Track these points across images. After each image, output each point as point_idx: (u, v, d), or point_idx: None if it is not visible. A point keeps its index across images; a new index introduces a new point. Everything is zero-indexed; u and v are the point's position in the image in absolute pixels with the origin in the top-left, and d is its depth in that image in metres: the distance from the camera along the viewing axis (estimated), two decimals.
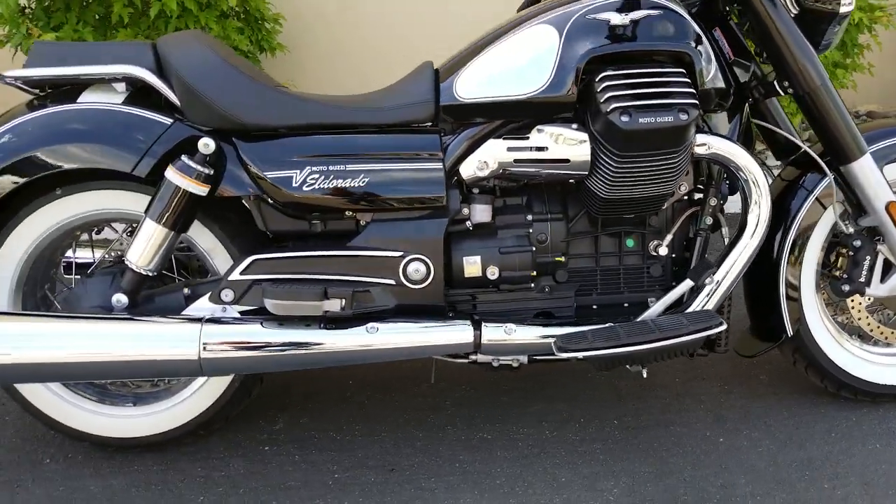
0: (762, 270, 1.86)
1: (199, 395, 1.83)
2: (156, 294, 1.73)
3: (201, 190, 1.60)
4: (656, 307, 1.76)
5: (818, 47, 1.73)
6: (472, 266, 1.71)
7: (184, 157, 1.59)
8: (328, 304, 1.62)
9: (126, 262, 1.65)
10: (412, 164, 1.65)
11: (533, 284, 1.78)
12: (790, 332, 1.88)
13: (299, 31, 3.56)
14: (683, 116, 1.54)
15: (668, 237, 1.80)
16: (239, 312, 1.68)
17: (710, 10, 1.77)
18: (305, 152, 1.63)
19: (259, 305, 1.66)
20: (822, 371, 1.95)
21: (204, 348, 1.60)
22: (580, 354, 1.63)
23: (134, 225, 1.82)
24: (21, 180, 1.61)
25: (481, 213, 1.73)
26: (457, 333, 1.68)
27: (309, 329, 1.64)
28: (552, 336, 1.69)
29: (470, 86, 1.65)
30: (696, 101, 1.56)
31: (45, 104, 1.64)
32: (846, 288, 1.89)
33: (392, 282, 1.68)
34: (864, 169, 1.78)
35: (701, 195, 1.80)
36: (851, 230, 1.87)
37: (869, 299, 1.96)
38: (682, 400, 2.08)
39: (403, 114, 1.68)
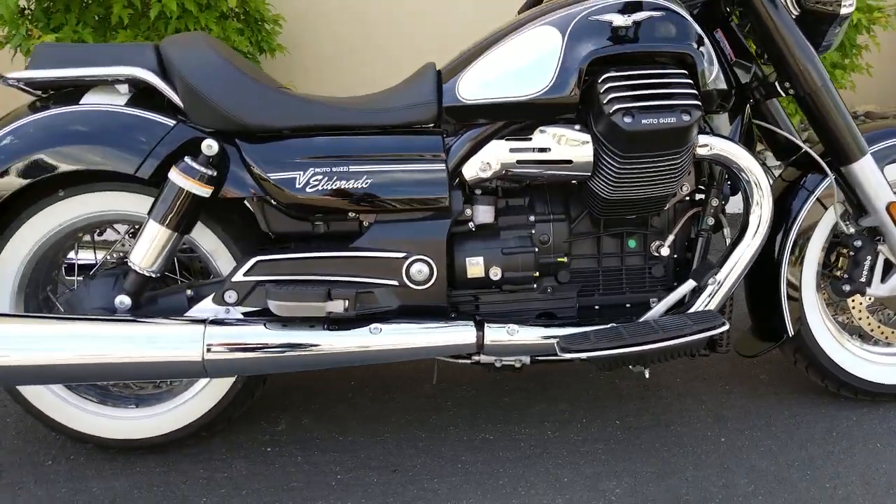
0: (763, 271, 1.87)
1: (202, 397, 1.83)
2: (159, 295, 1.73)
3: (205, 191, 1.60)
4: (659, 307, 1.77)
5: (819, 48, 1.74)
6: (474, 267, 1.71)
7: (187, 159, 1.59)
8: (332, 306, 1.62)
9: (129, 264, 1.65)
10: (415, 165, 1.65)
11: (535, 285, 1.79)
12: (791, 331, 1.89)
13: (300, 31, 3.57)
14: (686, 117, 1.55)
15: (670, 238, 1.80)
16: (242, 314, 1.68)
17: (712, 11, 1.78)
18: (309, 153, 1.63)
19: (262, 307, 1.66)
20: (822, 371, 1.96)
21: (208, 350, 1.60)
22: (583, 355, 1.63)
23: (136, 226, 1.82)
24: (24, 182, 1.61)
25: (484, 213, 1.73)
26: (460, 334, 1.68)
27: (312, 330, 1.64)
28: (555, 337, 1.70)
29: (473, 87, 1.66)
30: (699, 103, 1.57)
31: (47, 106, 1.64)
32: (847, 288, 1.90)
33: (395, 283, 1.68)
34: (865, 169, 1.79)
35: (702, 196, 1.80)
36: (852, 230, 1.87)
37: (869, 299, 1.97)
38: (684, 400, 2.08)
39: (406, 115, 1.68)
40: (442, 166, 1.66)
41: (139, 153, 1.60)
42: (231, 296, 1.67)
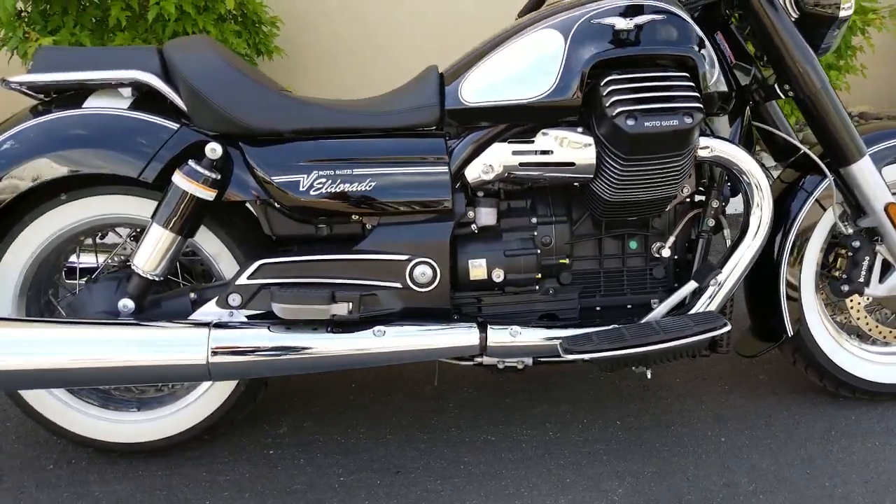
0: (763, 271, 1.88)
1: (205, 400, 1.83)
2: (162, 299, 1.73)
3: (208, 195, 1.60)
4: (660, 308, 1.78)
5: (818, 51, 1.75)
6: (477, 269, 1.72)
7: (191, 162, 1.59)
8: (336, 308, 1.62)
9: (132, 268, 1.65)
10: (418, 167, 1.66)
11: (538, 287, 1.79)
12: (790, 332, 1.90)
13: (300, 32, 3.57)
14: (688, 120, 1.56)
15: (671, 239, 1.82)
16: (246, 317, 1.69)
17: (712, 13, 1.79)
18: (312, 156, 1.64)
19: (266, 310, 1.66)
20: (821, 370, 1.97)
21: (212, 353, 1.60)
22: (586, 356, 1.64)
23: (139, 230, 1.82)
24: (26, 186, 1.61)
25: (486, 216, 1.74)
26: (463, 336, 1.69)
27: (316, 333, 1.64)
28: (557, 338, 1.70)
29: (475, 90, 1.66)
30: (701, 105, 1.58)
31: (49, 110, 1.64)
32: (845, 288, 1.92)
33: (399, 285, 1.68)
34: (864, 171, 1.80)
35: (703, 197, 1.82)
36: (850, 231, 1.89)
37: (868, 299, 1.98)
38: (684, 400, 2.10)
39: (409, 118, 1.69)
40: (445, 169, 1.67)
41: (142, 157, 1.60)
42: (235, 299, 1.67)
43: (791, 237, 1.87)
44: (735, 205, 1.88)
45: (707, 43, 1.67)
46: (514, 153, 1.68)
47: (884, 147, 1.86)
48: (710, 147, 1.69)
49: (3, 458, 1.91)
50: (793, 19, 1.72)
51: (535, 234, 1.76)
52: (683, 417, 2.02)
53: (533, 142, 1.67)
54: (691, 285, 1.77)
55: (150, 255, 1.63)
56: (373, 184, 1.64)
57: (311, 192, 1.63)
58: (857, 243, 1.89)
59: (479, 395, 2.14)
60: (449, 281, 1.70)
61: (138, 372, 1.60)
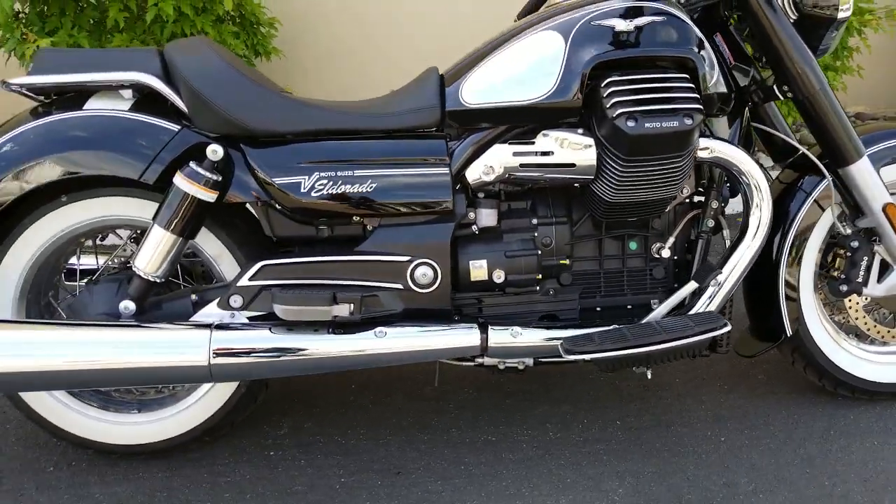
0: (762, 271, 1.89)
1: (205, 401, 1.83)
2: (163, 300, 1.73)
3: (210, 196, 1.60)
4: (661, 309, 1.78)
5: (816, 52, 1.76)
6: (478, 270, 1.72)
7: (192, 164, 1.59)
8: (337, 309, 1.62)
9: (134, 269, 1.65)
10: (419, 169, 1.66)
11: (538, 287, 1.80)
12: (789, 332, 1.91)
13: (300, 32, 3.57)
14: (688, 121, 1.56)
15: (671, 240, 1.82)
16: (247, 318, 1.69)
17: (711, 15, 1.80)
18: (313, 158, 1.64)
19: (268, 311, 1.66)
20: (820, 370, 1.98)
21: (213, 354, 1.60)
22: (588, 357, 1.64)
23: (139, 231, 1.82)
24: (27, 187, 1.61)
25: (487, 217, 1.74)
26: (464, 337, 1.69)
27: (318, 334, 1.65)
28: (558, 339, 1.71)
29: (476, 91, 1.67)
30: (701, 106, 1.59)
31: (50, 111, 1.63)
32: (844, 288, 1.92)
33: (400, 286, 1.68)
34: (862, 171, 1.81)
35: (702, 198, 1.82)
36: (849, 231, 1.90)
37: (866, 299, 1.99)
38: (683, 400, 2.10)
39: (409, 119, 1.69)
40: (445, 170, 1.67)
41: (143, 158, 1.60)
42: (236, 300, 1.67)
43: (790, 237, 1.88)
44: (733, 205, 1.89)
45: (706, 44, 1.67)
46: (515, 154, 1.68)
47: (882, 147, 1.87)
48: (710, 148, 1.70)
49: (2, 459, 1.91)
50: (791, 21, 1.73)
51: (536, 234, 1.76)
52: (683, 417, 2.03)
53: (533, 143, 1.68)
54: (691, 286, 1.78)
55: (152, 257, 1.63)
56: (374, 185, 1.65)
57: (313, 194, 1.63)
58: (855, 243, 1.90)
59: (480, 395, 2.15)
60: (450, 282, 1.70)
61: (140, 373, 1.60)
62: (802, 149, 1.86)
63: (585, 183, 1.70)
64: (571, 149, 1.66)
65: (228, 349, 1.61)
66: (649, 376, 1.84)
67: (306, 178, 1.62)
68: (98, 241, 1.88)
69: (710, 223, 1.81)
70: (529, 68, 1.64)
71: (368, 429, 2.01)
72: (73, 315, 1.71)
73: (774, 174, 2.02)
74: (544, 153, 1.67)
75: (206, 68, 1.62)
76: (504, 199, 1.78)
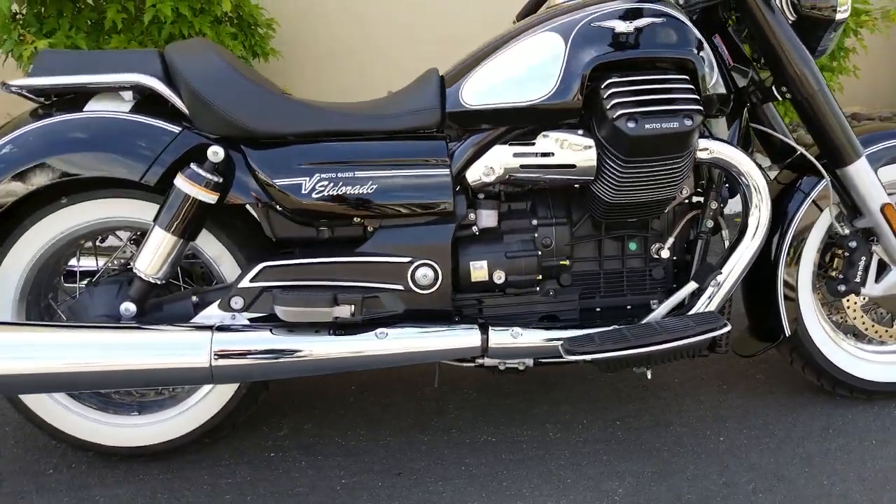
0: (760, 272, 1.89)
1: (206, 403, 1.83)
2: (164, 302, 1.72)
3: (211, 198, 1.60)
4: (661, 309, 1.79)
5: (814, 53, 1.77)
6: (478, 271, 1.73)
7: (193, 165, 1.59)
8: (338, 311, 1.63)
9: (135, 271, 1.65)
10: (420, 170, 1.67)
11: (538, 288, 1.80)
12: (788, 331, 1.92)
13: (298, 33, 3.57)
14: (688, 122, 1.57)
15: (670, 240, 1.83)
16: (248, 320, 1.69)
17: (710, 16, 1.81)
18: (314, 159, 1.64)
19: (269, 312, 1.67)
20: (818, 369, 1.99)
21: (215, 356, 1.60)
22: (588, 357, 1.65)
23: (139, 233, 1.82)
24: (27, 189, 1.60)
25: (487, 218, 1.75)
26: (465, 338, 1.70)
27: (319, 335, 1.65)
28: (558, 339, 1.71)
29: (476, 92, 1.67)
30: (700, 107, 1.59)
31: (50, 113, 1.63)
32: (842, 288, 1.93)
33: (401, 287, 1.69)
34: (860, 172, 1.82)
35: (701, 199, 1.83)
36: (847, 231, 1.91)
37: (864, 299, 2.00)
38: (682, 400, 2.11)
39: (410, 120, 1.69)
40: (446, 171, 1.67)
41: (144, 160, 1.60)
42: (237, 302, 1.67)
43: (788, 238, 1.89)
44: (731, 205, 1.90)
45: (706, 45, 1.68)
46: (515, 155, 1.69)
47: (880, 148, 1.88)
48: (710, 149, 1.71)
49: (2, 462, 1.90)
50: (790, 22, 1.74)
51: (536, 235, 1.77)
52: (682, 417, 2.03)
53: (534, 144, 1.68)
54: (691, 286, 1.79)
55: (153, 259, 1.63)
56: (374, 186, 1.65)
57: (314, 195, 1.63)
58: (853, 244, 1.91)
59: (479, 396, 2.15)
60: (450, 283, 1.71)
61: (141, 375, 1.60)
62: (801, 149, 1.87)
63: (585, 184, 1.70)
64: (572, 150, 1.67)
65: (230, 351, 1.61)
66: (649, 376, 1.84)
67: (307, 179, 1.63)
68: (98, 243, 1.88)
69: (710, 224, 1.82)
70: (530, 70, 1.65)
71: (369, 430, 2.02)
72: (73, 317, 1.70)
73: (771, 174, 2.03)
74: (544, 154, 1.68)
75: (207, 70, 1.62)
76: (504, 199, 1.79)
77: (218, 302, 1.68)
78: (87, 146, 1.60)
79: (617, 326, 1.73)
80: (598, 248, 1.84)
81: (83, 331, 1.59)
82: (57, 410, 1.81)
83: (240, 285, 1.67)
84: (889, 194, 1.86)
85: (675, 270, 1.88)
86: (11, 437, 1.99)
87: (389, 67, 3.58)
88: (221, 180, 1.61)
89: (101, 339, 1.59)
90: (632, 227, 1.83)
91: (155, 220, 1.62)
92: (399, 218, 1.69)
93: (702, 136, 1.71)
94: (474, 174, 1.70)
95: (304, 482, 1.83)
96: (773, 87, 1.79)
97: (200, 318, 1.67)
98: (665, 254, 1.83)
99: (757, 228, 1.77)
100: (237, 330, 1.64)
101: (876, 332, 2.03)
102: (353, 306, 1.64)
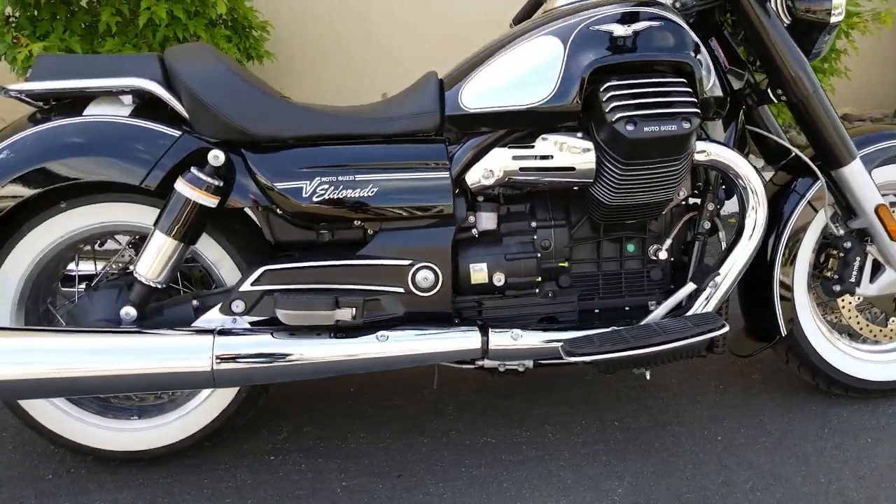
0: (756, 272, 1.91)
1: (206, 407, 1.83)
2: (164, 306, 1.72)
3: (211, 202, 1.60)
4: (659, 310, 1.80)
5: (809, 55, 1.79)
6: (478, 273, 1.73)
7: (193, 169, 1.59)
8: (340, 314, 1.63)
9: (135, 275, 1.65)
10: (419, 173, 1.67)
11: (537, 290, 1.81)
12: (783, 331, 1.94)
13: (295, 34, 3.57)
14: (686, 125, 1.58)
15: (668, 241, 1.84)
16: (249, 323, 1.69)
17: (706, 20, 1.82)
18: (314, 163, 1.64)
19: (270, 316, 1.67)
20: (814, 369, 2.01)
21: (216, 360, 1.60)
22: (588, 358, 1.66)
23: (138, 237, 1.81)
24: (27, 194, 1.60)
25: (487, 220, 1.76)
26: (465, 340, 1.70)
27: (320, 338, 1.65)
28: (558, 341, 1.72)
29: (475, 95, 1.68)
30: (698, 110, 1.61)
31: (49, 117, 1.63)
32: (837, 288, 1.95)
33: (401, 290, 1.69)
34: (855, 173, 1.84)
35: (698, 200, 1.84)
36: (842, 232, 1.93)
37: (858, 299, 2.02)
38: (680, 400, 2.12)
39: (409, 124, 1.70)
40: (445, 174, 1.68)
41: (145, 164, 1.59)
42: (238, 305, 1.67)
43: (784, 238, 1.91)
44: (727, 206, 1.91)
45: (703, 48, 1.69)
46: (515, 158, 1.69)
47: (874, 149, 1.90)
48: (707, 151, 1.72)
49: (0, 468, 1.89)
50: (785, 25, 1.76)
51: (535, 237, 1.78)
52: (680, 417, 2.05)
53: (533, 147, 1.69)
54: (689, 287, 1.80)
55: (153, 263, 1.62)
56: (375, 189, 1.65)
57: (314, 199, 1.63)
58: (848, 244, 1.93)
59: (478, 397, 2.16)
60: (450, 285, 1.71)
61: (142, 380, 1.60)
62: (796, 151, 1.88)
63: (584, 186, 1.71)
64: (570, 152, 1.68)
65: (231, 354, 1.61)
66: (648, 377, 1.86)
67: (308, 182, 1.63)
68: (97, 247, 1.88)
69: (707, 225, 1.83)
70: (529, 73, 1.65)
71: (368, 432, 2.02)
72: (73, 321, 1.70)
73: (767, 176, 2.04)
74: (544, 157, 1.68)
75: (207, 74, 1.62)
76: (503, 202, 1.80)
77: (219, 306, 1.68)
78: (87, 150, 1.59)
79: (616, 328, 1.74)
80: (597, 250, 1.86)
81: (84, 335, 1.59)
82: (56, 415, 1.80)
83: (241, 289, 1.67)
84: (883, 195, 1.88)
85: (672, 272, 1.89)
86: (10, 443, 1.98)
87: (391, 67, 3.59)
88: (222, 184, 1.61)
89: (103, 344, 1.58)
90: (630, 229, 1.84)
91: (155, 224, 1.62)
92: (399, 221, 1.69)
93: (699, 138, 1.73)
94: (474, 177, 1.71)
95: (305, 485, 1.83)
96: (769, 90, 1.80)
97: (201, 322, 1.67)
98: (663, 255, 1.85)
99: (754, 230, 1.79)
100: (239, 334, 1.64)
101: (870, 331, 2.05)
102: (354, 309, 1.64)
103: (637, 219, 1.78)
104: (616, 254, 1.86)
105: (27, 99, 1.64)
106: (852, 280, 1.94)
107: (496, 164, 1.70)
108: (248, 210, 1.74)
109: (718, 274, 1.78)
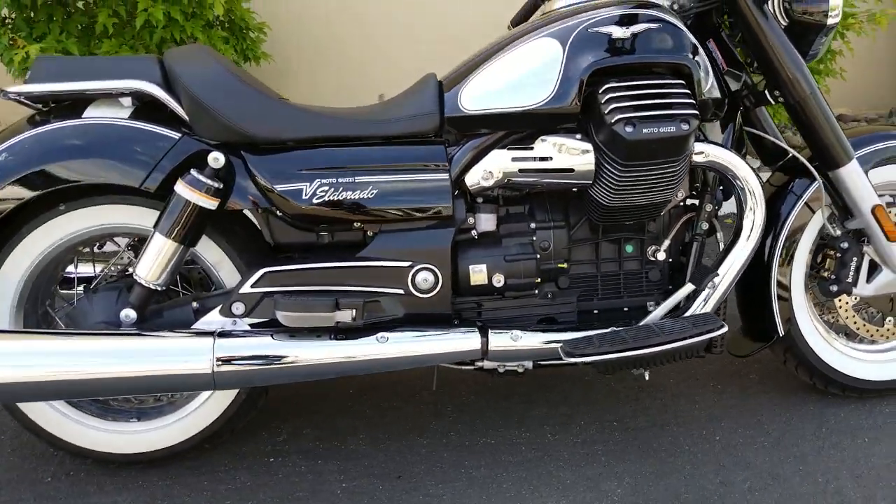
0: (754, 273, 1.92)
1: (206, 409, 1.83)
2: (164, 308, 1.72)
3: (211, 204, 1.60)
4: (658, 311, 1.81)
5: (806, 57, 1.80)
6: (478, 274, 1.74)
7: (193, 172, 1.59)
8: (340, 315, 1.63)
9: (135, 277, 1.65)
10: (419, 175, 1.67)
11: (537, 291, 1.82)
12: (781, 331, 1.95)
13: (292, 35, 3.57)
14: (685, 126, 1.59)
15: (666, 242, 1.85)
16: (249, 325, 1.69)
17: (704, 22, 1.83)
18: (314, 165, 1.65)
19: (270, 318, 1.67)
20: (811, 369, 2.02)
21: (217, 362, 1.60)
22: (588, 359, 1.66)
23: (136, 239, 1.81)
24: (26, 196, 1.60)
25: (486, 222, 1.76)
26: (465, 341, 1.71)
27: (320, 340, 1.65)
28: (557, 342, 1.73)
29: (474, 97, 1.68)
30: (697, 112, 1.61)
31: (48, 120, 1.63)
32: (834, 288, 1.96)
33: (401, 291, 1.69)
34: (852, 174, 1.85)
35: (696, 201, 1.85)
36: (839, 232, 1.94)
37: (855, 299, 2.03)
38: (678, 401, 2.13)
39: (409, 125, 1.70)
40: (445, 176, 1.68)
41: (144, 166, 1.59)
42: (238, 307, 1.67)
43: (781, 239, 1.92)
44: (725, 206, 1.92)
45: (701, 50, 1.70)
46: (514, 160, 1.70)
47: (871, 150, 1.91)
48: (705, 152, 1.73)
49: None
50: (782, 27, 1.76)
51: (534, 239, 1.78)
52: (678, 418, 2.06)
53: (532, 148, 1.70)
54: (688, 287, 1.81)
55: (153, 265, 1.62)
56: (374, 191, 1.66)
57: (314, 200, 1.63)
58: (845, 244, 1.94)
59: (477, 398, 2.16)
60: (450, 286, 1.72)
61: (143, 382, 1.59)
62: (793, 152, 1.89)
63: (583, 188, 1.72)
64: (570, 154, 1.68)
65: (232, 356, 1.61)
66: (647, 377, 1.86)
67: (307, 184, 1.63)
68: (96, 249, 1.87)
69: (705, 226, 1.84)
70: (528, 74, 1.66)
71: (368, 434, 2.02)
72: (72, 324, 1.70)
73: (764, 177, 2.05)
74: (543, 158, 1.69)
75: (207, 76, 1.62)
76: (503, 203, 1.80)
77: (219, 308, 1.68)
78: (86, 152, 1.59)
79: (615, 328, 1.74)
80: (596, 251, 1.86)
81: (84, 338, 1.59)
82: (55, 418, 1.80)
83: (241, 291, 1.67)
84: (879, 195, 1.89)
85: (671, 272, 1.90)
86: (8, 445, 1.98)
87: (389, 68, 3.59)
88: (222, 186, 1.61)
89: (103, 346, 1.58)
90: (629, 230, 1.85)
91: (155, 226, 1.62)
92: (399, 222, 1.69)
93: (697, 139, 1.74)
94: (473, 178, 1.71)
95: (304, 487, 1.83)
96: (766, 91, 1.81)
97: (201, 324, 1.67)
98: (661, 256, 1.85)
99: (752, 230, 1.79)
100: (239, 336, 1.64)
101: (867, 331, 2.06)
102: (354, 311, 1.65)
103: (636, 220, 1.78)
104: (615, 255, 1.87)
105: (26, 101, 1.64)
106: (849, 280, 1.95)
107: (495, 166, 1.70)
108: (247, 212, 1.74)
109: (717, 274, 1.79)
